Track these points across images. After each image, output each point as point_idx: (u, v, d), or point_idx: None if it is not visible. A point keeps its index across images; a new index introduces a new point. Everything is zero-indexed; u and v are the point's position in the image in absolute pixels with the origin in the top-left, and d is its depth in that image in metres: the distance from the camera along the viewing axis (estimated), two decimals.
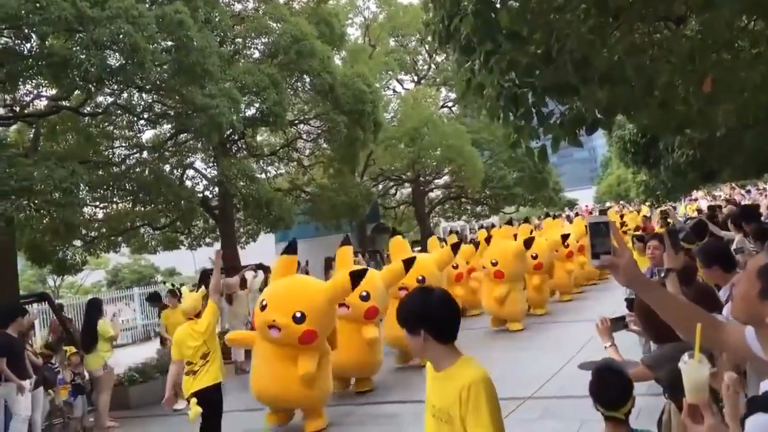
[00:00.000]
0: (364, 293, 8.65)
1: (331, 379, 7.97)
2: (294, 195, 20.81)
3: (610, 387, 3.21)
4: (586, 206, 35.79)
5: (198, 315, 6.97)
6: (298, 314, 7.15)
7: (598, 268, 2.13)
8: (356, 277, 7.59)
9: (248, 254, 18.97)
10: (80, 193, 12.34)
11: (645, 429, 3.39)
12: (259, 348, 7.74)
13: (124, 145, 17.32)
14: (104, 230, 17.12)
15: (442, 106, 33.31)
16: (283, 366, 7.38)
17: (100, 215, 17.54)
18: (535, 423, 7.01)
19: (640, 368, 3.76)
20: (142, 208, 17.39)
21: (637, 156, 21.38)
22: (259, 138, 22.05)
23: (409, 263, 9.13)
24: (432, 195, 32.57)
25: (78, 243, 16.54)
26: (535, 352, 10.62)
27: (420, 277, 9.96)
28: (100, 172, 15.63)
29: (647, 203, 31.69)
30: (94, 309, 10.53)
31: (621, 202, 40.78)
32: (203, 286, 9.84)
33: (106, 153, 16.76)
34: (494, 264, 12.28)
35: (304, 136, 21.73)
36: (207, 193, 18.99)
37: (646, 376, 3.78)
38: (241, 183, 16.78)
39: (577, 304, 15.09)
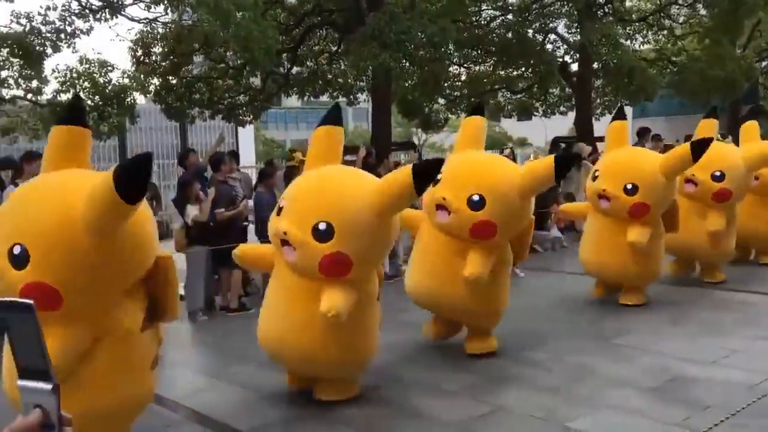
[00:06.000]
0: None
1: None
2: (660, 65, 19.26)
3: None
4: None
5: None
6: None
7: None
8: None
9: (602, 127, 18.33)
10: (448, 50, 13.07)
11: None
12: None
13: (491, 7, 17.69)
14: (465, 91, 18.08)
15: None
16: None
17: (463, 76, 18.52)
18: None
19: None
20: (502, 72, 17.86)
21: None
22: (628, 3, 20.56)
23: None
24: None
25: (441, 102, 17.81)
26: None
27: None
28: (466, 34, 16.34)
29: None
30: None
31: None
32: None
33: (474, 16, 17.34)
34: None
35: (680, 1, 19.64)
36: (567, 58, 18.61)
37: None
38: (604, 49, 16.05)
39: None
